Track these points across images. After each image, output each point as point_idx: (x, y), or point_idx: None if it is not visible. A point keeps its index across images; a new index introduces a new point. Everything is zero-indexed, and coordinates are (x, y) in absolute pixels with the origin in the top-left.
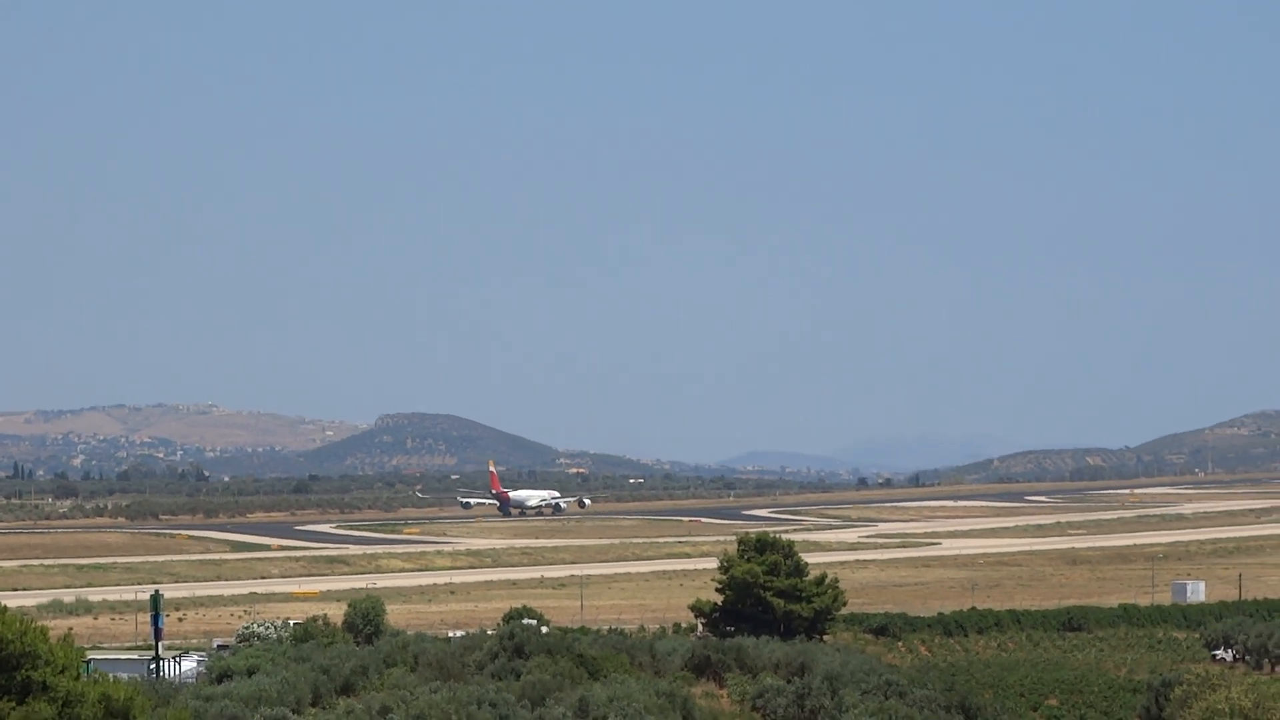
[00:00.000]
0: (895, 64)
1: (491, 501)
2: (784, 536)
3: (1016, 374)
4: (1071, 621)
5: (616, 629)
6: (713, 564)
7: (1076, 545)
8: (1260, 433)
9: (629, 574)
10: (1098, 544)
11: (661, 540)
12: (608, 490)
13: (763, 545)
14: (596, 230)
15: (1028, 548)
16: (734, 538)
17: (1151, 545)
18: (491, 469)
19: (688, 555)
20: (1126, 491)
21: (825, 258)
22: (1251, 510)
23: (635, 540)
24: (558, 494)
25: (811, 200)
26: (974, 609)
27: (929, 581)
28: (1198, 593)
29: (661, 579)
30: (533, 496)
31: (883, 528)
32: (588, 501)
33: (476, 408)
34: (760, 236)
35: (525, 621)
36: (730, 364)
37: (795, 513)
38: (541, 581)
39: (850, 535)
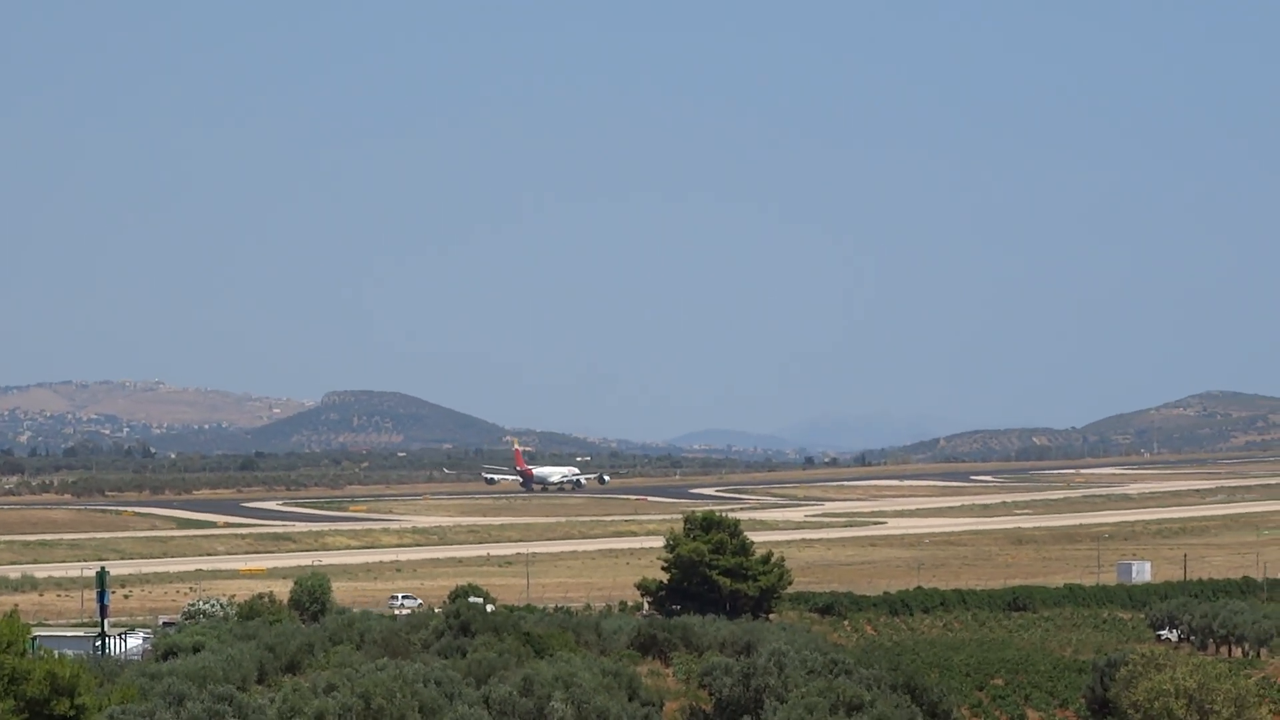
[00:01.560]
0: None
1: (515, 477)
2: (730, 515)
3: (963, 354)
4: (1017, 601)
5: (563, 607)
6: (659, 542)
7: (1022, 525)
8: (1206, 413)
9: (575, 552)
10: (1043, 524)
11: (608, 519)
12: None
13: (709, 524)
14: (540, 209)
15: (973, 527)
16: (680, 516)
17: (1097, 525)
18: (516, 447)
19: (634, 534)
20: (1072, 471)
21: (772, 238)
22: (1197, 490)
23: (582, 519)
24: (577, 471)
25: (756, 177)
26: (920, 588)
27: (875, 561)
28: (1143, 573)
29: (608, 557)
30: (554, 473)
31: (829, 507)
32: (607, 478)
33: (423, 386)
34: (705, 215)
35: (471, 599)
36: (677, 342)
37: (741, 492)
38: (488, 560)
39: (796, 514)
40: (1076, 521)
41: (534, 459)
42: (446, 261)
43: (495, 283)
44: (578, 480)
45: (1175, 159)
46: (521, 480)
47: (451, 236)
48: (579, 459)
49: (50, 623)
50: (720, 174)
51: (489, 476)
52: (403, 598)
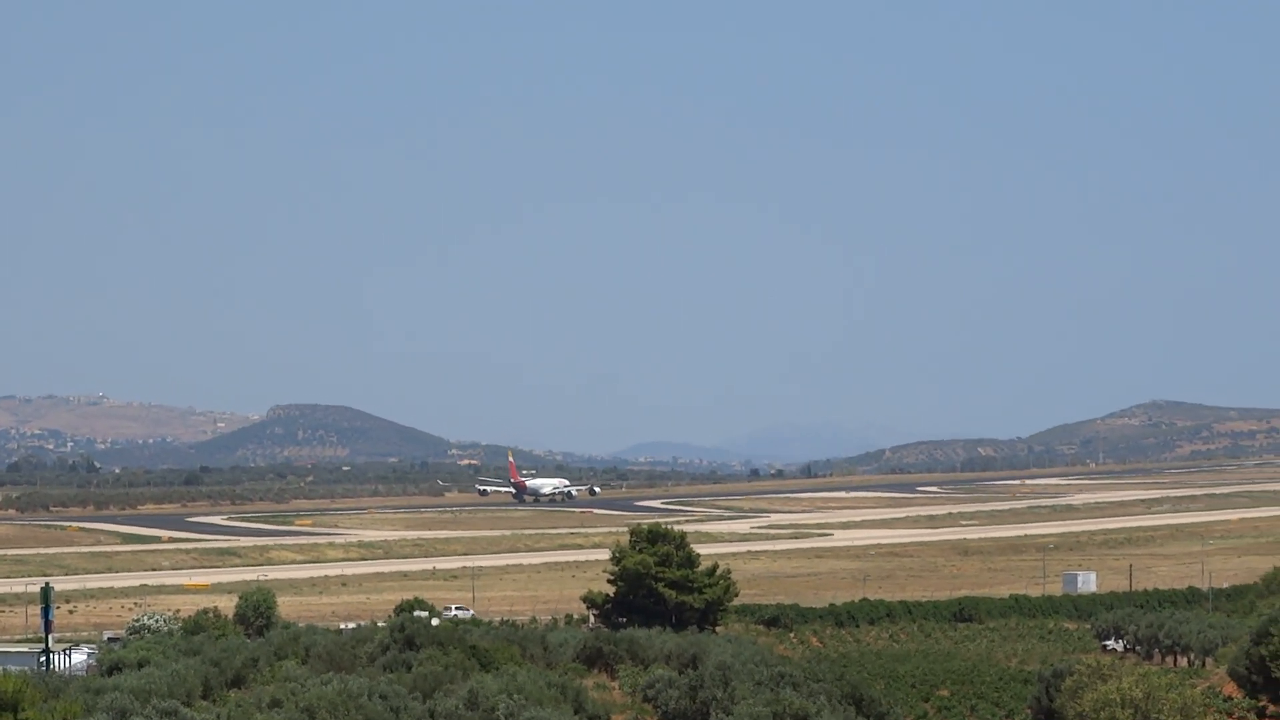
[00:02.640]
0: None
1: (508, 489)
2: (676, 528)
3: (909, 366)
4: (963, 612)
5: (508, 620)
6: (605, 555)
7: (968, 536)
8: (1151, 423)
9: (521, 565)
10: (989, 535)
11: (553, 531)
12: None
13: (655, 536)
14: (487, 222)
15: (919, 539)
16: (626, 529)
17: (1042, 536)
18: (511, 459)
19: (580, 546)
20: (1018, 482)
21: (718, 250)
22: (1142, 501)
23: (527, 531)
24: (568, 483)
25: (705, 188)
26: (866, 600)
27: (821, 572)
28: (1088, 583)
29: (553, 570)
30: (546, 485)
31: (775, 518)
32: (598, 490)
33: (369, 399)
34: (651, 225)
35: (417, 613)
36: (622, 355)
37: (687, 504)
38: (434, 573)
39: (742, 526)
40: (1022, 532)
41: (479, 473)
42: (392, 276)
43: (442, 297)
44: (569, 492)
45: (1124, 170)
46: (514, 492)
47: (397, 251)
48: (525, 471)
49: None
50: (663, 188)
51: (482, 489)
52: (456, 609)
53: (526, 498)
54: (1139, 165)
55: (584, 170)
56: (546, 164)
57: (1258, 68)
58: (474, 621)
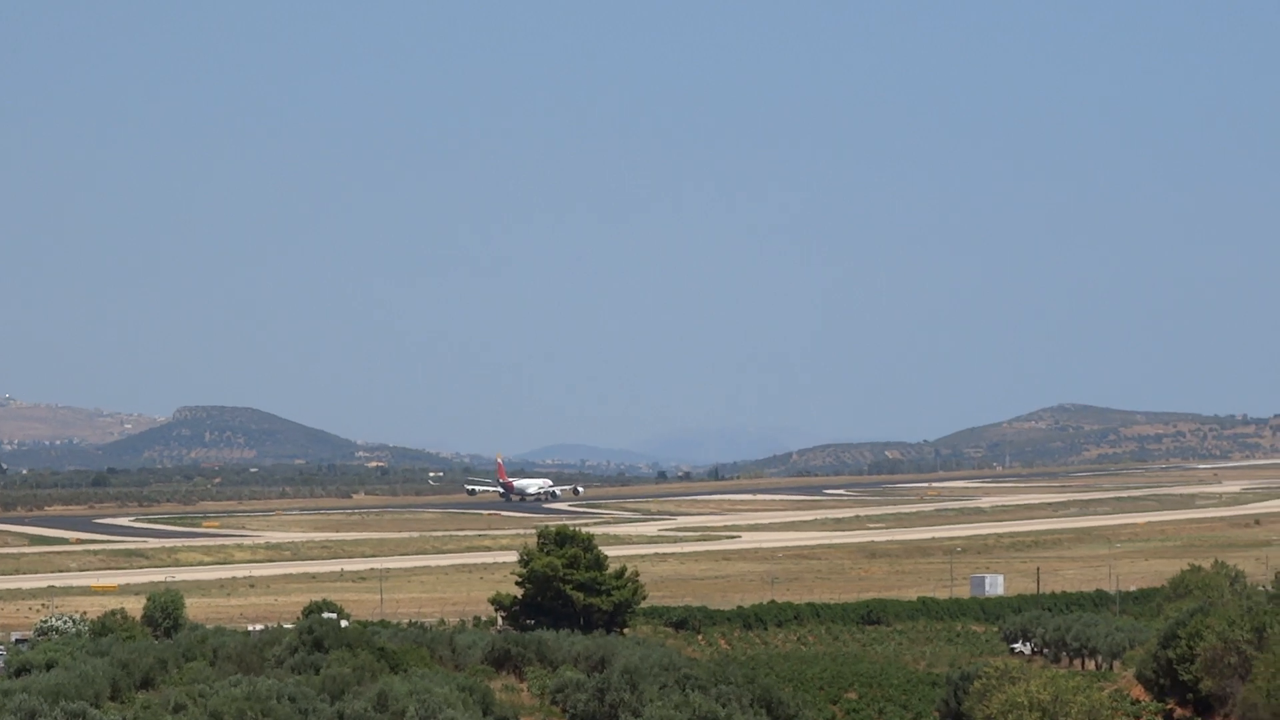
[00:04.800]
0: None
1: (496, 489)
2: (584, 530)
3: (816, 369)
4: (871, 615)
5: (416, 622)
6: (513, 557)
7: (875, 539)
8: (1058, 426)
9: (429, 567)
10: (896, 537)
11: (461, 533)
12: (409, 484)
13: (562, 539)
14: (392, 222)
15: (827, 541)
16: (534, 531)
17: (950, 539)
18: (499, 460)
19: (488, 548)
20: (925, 485)
21: (626, 250)
22: (1049, 504)
23: (435, 533)
24: (550, 482)
25: (613, 188)
26: (773, 602)
27: (729, 575)
28: (996, 586)
29: (462, 572)
30: (532, 484)
31: (682, 521)
32: (581, 490)
33: (276, 401)
34: (560, 227)
35: (325, 615)
36: (530, 356)
37: (595, 506)
38: (342, 575)
39: (650, 528)
40: (929, 535)
41: (387, 475)
42: (297, 275)
43: (345, 298)
44: (553, 492)
45: (1026, 172)
46: (502, 492)
47: (303, 250)
48: (431, 475)
49: None
50: (569, 188)
51: (471, 488)
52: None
53: (513, 497)
54: (1042, 171)
55: (495, 171)
56: (450, 166)
57: (1157, 71)
58: (382, 624)
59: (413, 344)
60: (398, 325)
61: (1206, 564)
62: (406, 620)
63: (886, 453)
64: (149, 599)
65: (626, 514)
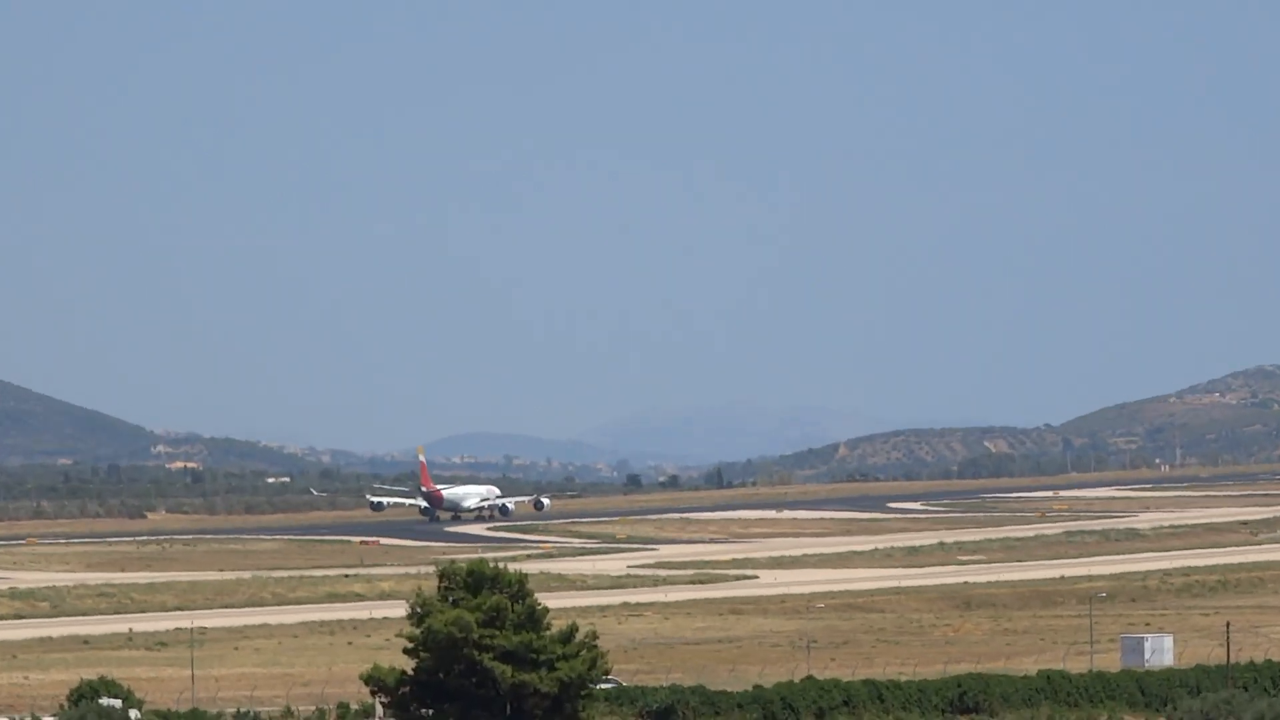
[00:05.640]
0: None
1: (414, 502)
2: (511, 567)
3: (871, 320)
4: (965, 699)
5: (248, 712)
6: (400, 610)
7: (971, 579)
8: (1256, 401)
9: (268, 625)
10: (1003, 577)
11: (318, 573)
12: (236, 495)
13: (478, 581)
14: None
15: (894, 583)
16: (432, 568)
17: (1088, 579)
18: (421, 458)
19: (359, 596)
20: (1048, 495)
21: (589, 199)
22: (1243, 522)
23: (276, 573)
24: (499, 492)
25: (542, 146)
26: (812, 679)
27: (740, 637)
28: (1162, 653)
29: (318, 633)
30: (470, 496)
31: (666, 552)
32: (546, 503)
33: (32, 373)
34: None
35: (104, 703)
36: (426, 318)
37: (528, 529)
38: (130, 639)
39: (616, 564)
40: (1055, 573)
41: (200, 481)
42: (102, 227)
43: (141, 224)
44: (504, 506)
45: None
46: (425, 506)
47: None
48: (271, 479)
49: None
50: (490, 146)
51: (376, 500)
52: None
53: (442, 514)
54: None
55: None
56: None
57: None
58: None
59: (240, 289)
60: (217, 265)
61: None
62: (232, 712)
63: (986, 443)
64: None
65: (579, 541)
